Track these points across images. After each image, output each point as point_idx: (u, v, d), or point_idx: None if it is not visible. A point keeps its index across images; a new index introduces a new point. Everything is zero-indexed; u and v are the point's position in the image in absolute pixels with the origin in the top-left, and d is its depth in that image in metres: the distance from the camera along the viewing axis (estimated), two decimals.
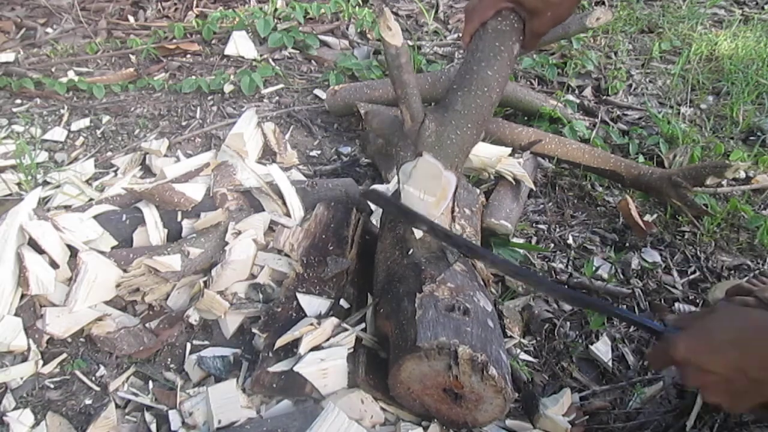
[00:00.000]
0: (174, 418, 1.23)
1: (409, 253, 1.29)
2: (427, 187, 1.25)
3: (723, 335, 0.94)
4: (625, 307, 1.54)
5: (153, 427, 1.23)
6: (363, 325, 1.30)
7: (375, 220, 1.63)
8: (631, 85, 2.37)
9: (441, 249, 1.31)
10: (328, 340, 1.26)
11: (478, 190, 1.67)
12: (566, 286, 1.55)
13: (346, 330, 1.26)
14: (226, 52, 2.47)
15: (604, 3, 2.89)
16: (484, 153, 1.73)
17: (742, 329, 0.95)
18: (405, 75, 1.28)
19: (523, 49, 1.39)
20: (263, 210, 1.60)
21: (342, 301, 1.37)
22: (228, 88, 2.26)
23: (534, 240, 1.72)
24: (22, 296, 1.41)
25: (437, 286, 1.19)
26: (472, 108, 1.33)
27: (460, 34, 2.65)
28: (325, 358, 1.20)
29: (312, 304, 1.34)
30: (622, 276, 1.63)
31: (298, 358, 1.22)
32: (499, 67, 1.34)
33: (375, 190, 1.43)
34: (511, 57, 1.35)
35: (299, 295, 1.35)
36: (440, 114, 1.34)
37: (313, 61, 2.50)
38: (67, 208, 1.64)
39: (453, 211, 1.50)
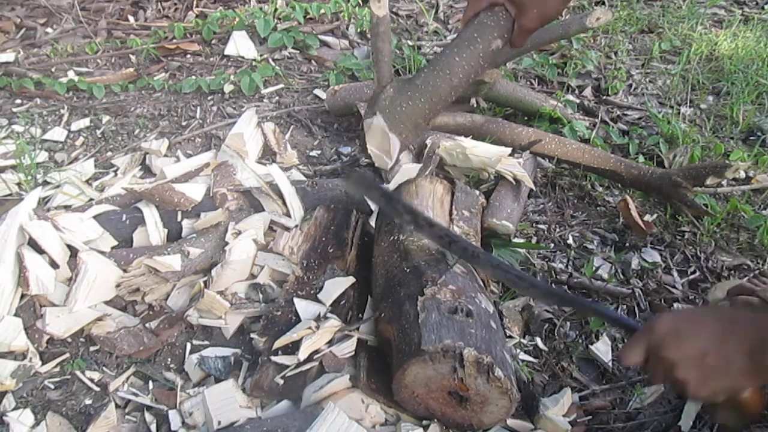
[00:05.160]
0: (174, 418, 1.23)
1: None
2: (379, 144, 1.50)
3: (707, 312, 1.01)
4: (625, 307, 1.54)
5: (153, 427, 1.23)
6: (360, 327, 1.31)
7: (374, 221, 1.63)
8: (631, 85, 2.37)
9: (440, 251, 1.32)
10: (328, 343, 1.26)
11: (477, 192, 1.66)
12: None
13: (349, 336, 1.26)
14: (226, 52, 2.47)
15: (604, 3, 2.89)
16: (484, 153, 1.73)
17: (724, 312, 1.02)
18: (380, 43, 1.44)
19: (512, 46, 1.45)
20: (263, 210, 1.60)
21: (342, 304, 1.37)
22: (228, 88, 2.26)
23: (534, 240, 1.72)
24: (22, 296, 1.41)
25: (439, 289, 1.18)
26: (430, 85, 1.45)
27: None
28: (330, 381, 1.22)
29: (308, 309, 1.34)
30: (622, 276, 1.63)
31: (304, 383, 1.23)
32: (468, 56, 1.43)
33: (359, 173, 1.42)
34: (486, 50, 1.42)
35: (296, 300, 1.35)
36: (402, 84, 1.48)
37: (313, 61, 2.50)
38: (67, 208, 1.64)
39: (451, 214, 1.50)
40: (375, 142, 1.47)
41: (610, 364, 1.40)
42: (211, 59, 2.49)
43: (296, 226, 1.56)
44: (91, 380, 1.32)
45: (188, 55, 2.51)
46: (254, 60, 2.44)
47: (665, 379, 0.99)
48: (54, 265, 1.42)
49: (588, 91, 2.32)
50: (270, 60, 2.47)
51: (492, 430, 1.20)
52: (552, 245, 1.70)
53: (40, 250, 1.42)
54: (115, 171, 1.90)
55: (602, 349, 1.42)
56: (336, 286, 1.37)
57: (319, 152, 2.03)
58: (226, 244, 1.49)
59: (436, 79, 1.44)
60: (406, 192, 1.50)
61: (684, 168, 1.74)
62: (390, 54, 1.49)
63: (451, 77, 1.45)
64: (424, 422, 1.19)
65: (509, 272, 1.25)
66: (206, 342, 1.41)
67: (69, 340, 1.39)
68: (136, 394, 1.29)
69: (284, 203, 1.60)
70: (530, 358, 1.40)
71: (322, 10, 2.65)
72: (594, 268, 1.61)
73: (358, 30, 2.64)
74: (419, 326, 1.11)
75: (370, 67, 2.33)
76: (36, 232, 1.42)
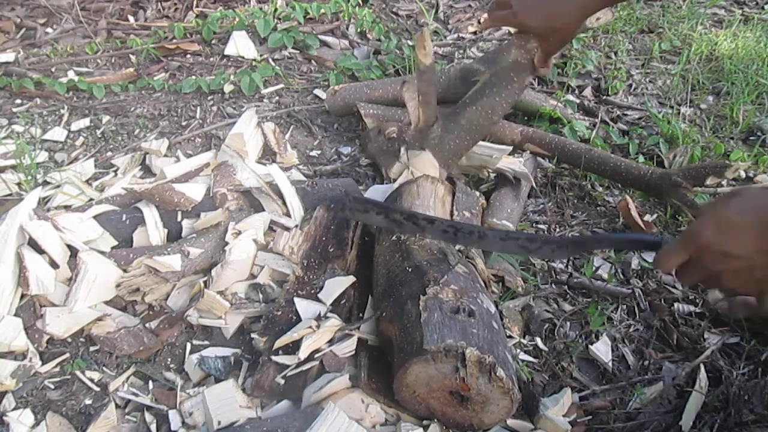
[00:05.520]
0: (174, 418, 1.23)
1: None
2: (424, 169, 1.62)
3: (750, 217, 0.93)
4: (625, 307, 1.54)
5: (153, 427, 1.23)
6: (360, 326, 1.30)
7: None
8: (631, 85, 2.37)
9: (442, 251, 1.32)
10: (329, 342, 1.26)
11: (477, 193, 1.67)
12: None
13: (350, 336, 1.26)
14: (226, 52, 2.47)
15: None
16: (485, 151, 1.73)
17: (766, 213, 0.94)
18: (426, 87, 1.57)
19: (537, 69, 1.54)
20: (263, 210, 1.60)
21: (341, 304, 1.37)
22: (228, 88, 2.26)
23: None
24: (22, 296, 1.41)
25: (441, 289, 1.18)
26: (474, 125, 1.60)
27: (460, 34, 2.66)
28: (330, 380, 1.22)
29: (308, 308, 1.34)
30: (622, 276, 1.63)
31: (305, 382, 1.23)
32: (506, 95, 1.59)
33: (352, 198, 1.37)
34: (521, 85, 1.60)
35: (296, 300, 1.35)
36: (448, 122, 1.63)
37: (313, 61, 2.50)
38: (67, 208, 1.64)
39: (452, 214, 1.51)
40: (420, 166, 1.62)
41: (610, 364, 1.40)
42: (211, 59, 2.48)
43: (296, 226, 1.56)
44: (91, 380, 1.32)
45: (188, 55, 2.51)
46: (254, 60, 2.44)
47: (699, 282, 1.00)
48: (54, 265, 1.42)
49: (588, 91, 2.32)
50: (270, 60, 2.47)
51: (492, 430, 1.20)
52: None
53: (40, 250, 1.42)
54: (115, 171, 1.90)
55: (602, 349, 1.42)
56: (336, 285, 1.37)
57: (319, 152, 2.03)
58: (226, 244, 1.49)
59: (479, 119, 1.60)
60: (407, 193, 1.50)
61: (684, 168, 1.74)
62: (435, 95, 1.63)
63: (493, 115, 1.61)
64: (424, 422, 1.19)
65: (520, 238, 1.25)
66: (206, 342, 1.41)
67: (69, 340, 1.39)
68: (136, 394, 1.29)
69: (284, 203, 1.60)
70: (530, 358, 1.40)
71: (322, 10, 2.65)
72: (594, 268, 1.61)
73: (358, 30, 2.64)
74: (421, 325, 1.11)
75: (370, 67, 2.33)
76: (36, 232, 1.42)
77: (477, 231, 1.28)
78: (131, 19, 2.75)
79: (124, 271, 1.43)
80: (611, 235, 1.21)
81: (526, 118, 2.10)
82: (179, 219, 1.57)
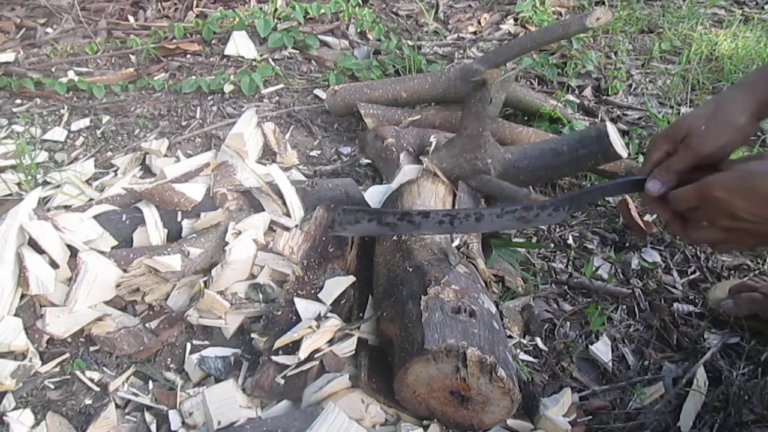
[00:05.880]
0: (174, 418, 1.23)
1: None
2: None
3: (764, 184, 0.92)
4: (625, 307, 1.54)
5: (153, 427, 1.23)
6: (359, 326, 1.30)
7: None
8: (631, 85, 2.37)
9: (443, 251, 1.32)
10: (329, 342, 1.26)
11: (478, 194, 1.67)
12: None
13: (350, 335, 1.26)
14: (226, 52, 2.47)
15: (604, 3, 2.89)
16: None
17: None
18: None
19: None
20: (263, 210, 1.60)
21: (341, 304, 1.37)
22: (228, 88, 2.26)
23: (534, 240, 1.72)
24: (22, 296, 1.41)
25: (442, 289, 1.19)
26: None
27: (460, 34, 2.66)
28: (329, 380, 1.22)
29: (308, 308, 1.34)
30: (622, 276, 1.63)
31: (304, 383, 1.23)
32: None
33: (342, 211, 1.29)
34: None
35: (296, 300, 1.35)
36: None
37: (313, 61, 2.50)
38: (67, 208, 1.63)
39: None
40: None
41: (610, 364, 1.40)
42: (211, 59, 2.49)
43: (296, 226, 1.56)
44: (91, 380, 1.32)
45: (188, 55, 2.51)
46: (254, 60, 2.44)
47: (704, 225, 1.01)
48: (54, 265, 1.42)
49: (588, 91, 2.32)
50: (270, 60, 2.47)
51: (492, 431, 1.20)
52: (552, 245, 1.70)
53: (40, 250, 1.42)
54: (115, 171, 1.90)
55: (602, 349, 1.42)
56: (336, 285, 1.37)
57: (319, 152, 2.03)
58: (226, 244, 1.48)
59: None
60: (408, 193, 1.50)
61: None
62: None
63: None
64: (425, 422, 1.19)
65: (516, 209, 1.22)
66: (206, 342, 1.41)
67: (69, 340, 1.39)
68: (136, 394, 1.29)
69: (284, 203, 1.60)
70: (530, 358, 1.40)
71: (322, 10, 2.65)
72: (594, 268, 1.61)
73: (358, 30, 2.64)
74: (422, 325, 1.11)
75: (370, 67, 2.33)
76: (36, 232, 1.42)
77: (473, 214, 1.24)
78: (131, 19, 2.75)
79: (124, 271, 1.43)
80: (601, 184, 1.24)
81: (526, 118, 2.10)
82: (179, 219, 1.56)
